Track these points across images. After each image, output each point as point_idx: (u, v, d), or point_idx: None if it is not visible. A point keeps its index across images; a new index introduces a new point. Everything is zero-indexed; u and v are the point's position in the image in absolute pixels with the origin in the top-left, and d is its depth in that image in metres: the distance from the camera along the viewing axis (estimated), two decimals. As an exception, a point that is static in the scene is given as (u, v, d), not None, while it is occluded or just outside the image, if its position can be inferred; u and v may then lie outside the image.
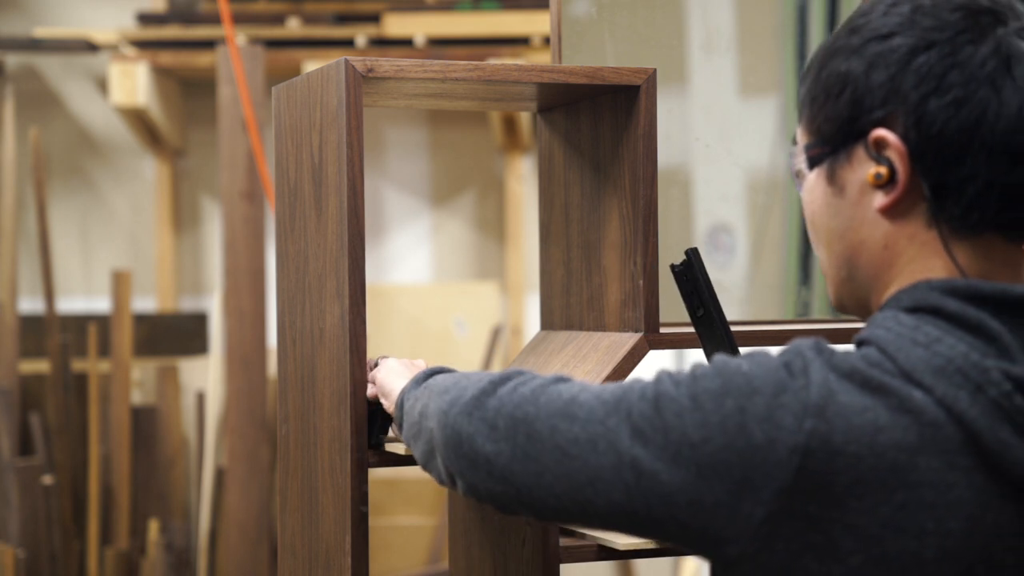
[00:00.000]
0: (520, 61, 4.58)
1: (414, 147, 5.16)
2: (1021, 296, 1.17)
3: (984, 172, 1.17)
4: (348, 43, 4.73)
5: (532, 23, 4.72)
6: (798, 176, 1.31)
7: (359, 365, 1.70)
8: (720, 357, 1.19)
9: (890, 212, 1.22)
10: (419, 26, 4.72)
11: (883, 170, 1.20)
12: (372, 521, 4.56)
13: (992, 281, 1.20)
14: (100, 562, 4.46)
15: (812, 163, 1.27)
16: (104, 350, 4.63)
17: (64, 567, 4.38)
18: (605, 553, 1.78)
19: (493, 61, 4.28)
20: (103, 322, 4.70)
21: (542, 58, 4.65)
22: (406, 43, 4.74)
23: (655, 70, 1.84)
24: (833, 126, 1.24)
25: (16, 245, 4.72)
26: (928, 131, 1.18)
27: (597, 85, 1.82)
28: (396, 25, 4.72)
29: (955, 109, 1.17)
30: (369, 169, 5.08)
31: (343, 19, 4.80)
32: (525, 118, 4.77)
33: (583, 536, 1.81)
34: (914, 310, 1.19)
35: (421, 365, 1.67)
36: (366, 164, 4.19)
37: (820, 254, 1.31)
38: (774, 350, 1.20)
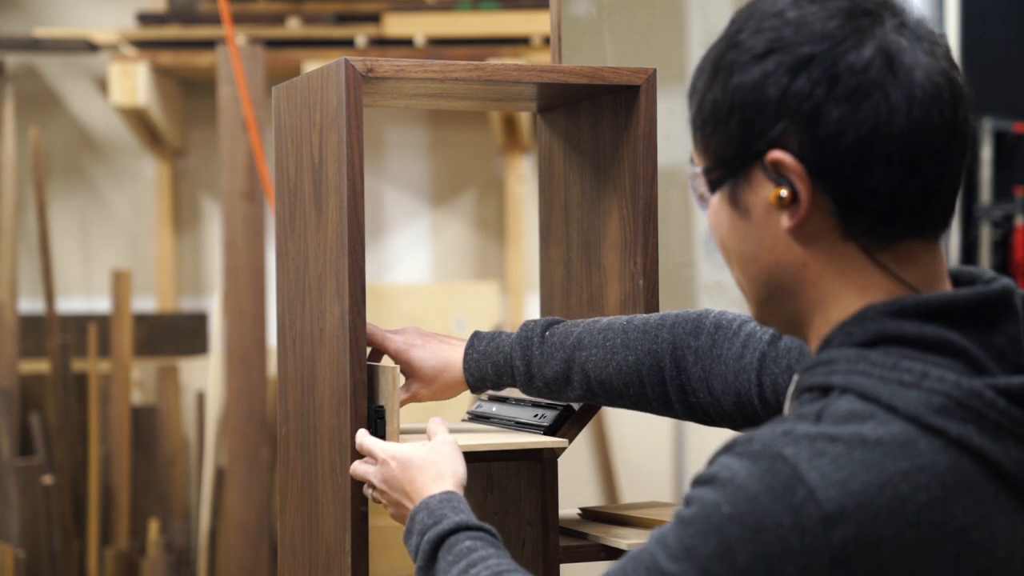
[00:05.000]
0: (520, 61, 4.58)
1: (414, 147, 5.16)
2: (968, 302, 1.15)
3: (888, 180, 1.14)
4: (348, 43, 4.73)
5: (532, 23, 4.72)
6: (701, 199, 1.26)
7: (359, 365, 1.70)
8: (688, 509, 1.11)
9: (799, 232, 1.18)
10: (419, 26, 4.72)
11: (785, 191, 1.16)
12: (372, 521, 4.55)
13: (929, 288, 1.18)
14: (100, 562, 4.46)
15: (713, 187, 1.23)
16: (104, 350, 4.63)
17: (64, 567, 4.38)
18: (605, 553, 1.78)
19: (493, 61, 4.28)
20: (103, 322, 4.70)
21: (542, 58, 4.65)
22: (406, 43, 4.74)
23: (655, 70, 1.84)
24: (728, 150, 1.20)
25: (16, 245, 4.72)
26: (824, 147, 1.14)
27: (597, 85, 1.82)
28: (396, 25, 4.72)
29: (847, 120, 1.13)
30: (369, 169, 5.08)
31: (343, 19, 4.80)
32: (525, 118, 4.77)
33: (584, 536, 1.81)
34: (874, 343, 1.15)
35: (458, 473, 1.58)
36: (366, 164, 4.19)
37: (735, 275, 1.26)
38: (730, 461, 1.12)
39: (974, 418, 1.11)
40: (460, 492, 1.55)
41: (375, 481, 1.62)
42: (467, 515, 1.50)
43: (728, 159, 1.20)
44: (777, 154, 1.16)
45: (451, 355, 1.78)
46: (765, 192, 1.18)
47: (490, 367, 1.76)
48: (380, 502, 1.63)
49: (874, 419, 1.11)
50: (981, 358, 1.14)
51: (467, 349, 1.78)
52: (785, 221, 1.18)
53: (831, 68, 1.14)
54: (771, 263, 1.21)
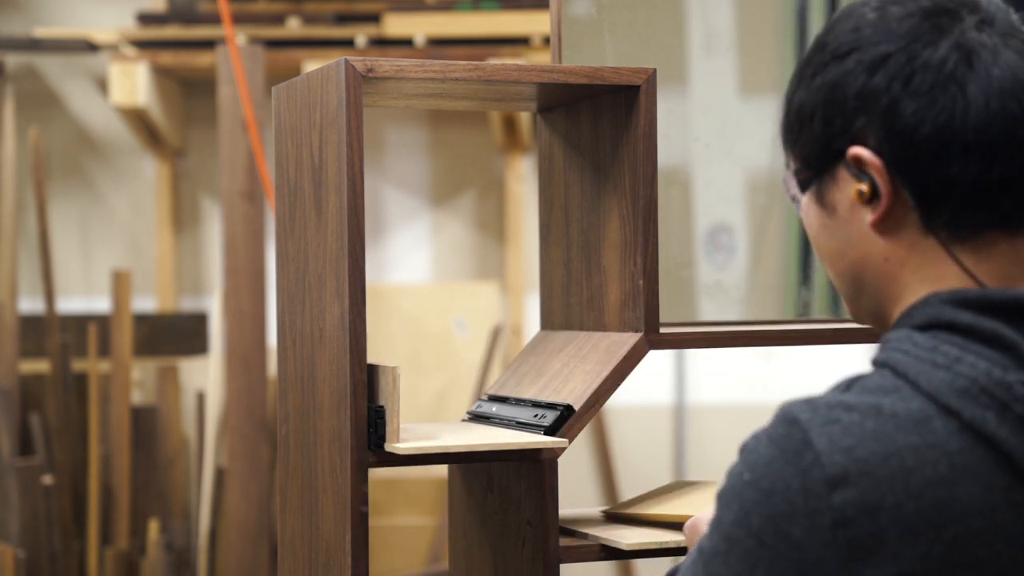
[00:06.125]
0: (520, 61, 4.57)
1: (414, 147, 5.16)
2: None
3: (965, 172, 1.17)
4: (348, 43, 4.73)
5: (532, 23, 4.72)
6: (795, 200, 1.31)
7: (359, 365, 1.70)
8: (725, 481, 1.17)
9: (882, 226, 1.22)
10: (419, 26, 4.72)
11: (865, 187, 1.21)
12: (372, 521, 4.55)
13: (1004, 282, 1.20)
14: (100, 562, 4.46)
15: (802, 187, 1.28)
16: (104, 350, 4.63)
17: (64, 567, 4.38)
18: (606, 553, 1.78)
19: (493, 61, 4.28)
20: (103, 322, 4.70)
21: (542, 58, 4.65)
22: (406, 43, 4.74)
23: (655, 70, 1.84)
24: (812, 150, 1.25)
25: (16, 245, 4.72)
26: (900, 140, 1.18)
27: (597, 85, 1.82)
28: (396, 25, 4.72)
29: (923, 114, 1.17)
30: (369, 169, 5.08)
31: (343, 19, 4.79)
32: (525, 118, 4.77)
33: (584, 536, 1.81)
34: (927, 327, 1.17)
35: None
36: (366, 164, 4.19)
37: (829, 275, 1.31)
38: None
39: (997, 407, 1.11)
40: None
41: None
42: None
43: (813, 158, 1.25)
44: (857, 150, 1.20)
45: None
46: (849, 189, 1.23)
47: None
48: None
49: (897, 393, 1.13)
50: None
51: None
52: (868, 216, 1.22)
53: (907, 65, 1.18)
54: (856, 259, 1.25)
